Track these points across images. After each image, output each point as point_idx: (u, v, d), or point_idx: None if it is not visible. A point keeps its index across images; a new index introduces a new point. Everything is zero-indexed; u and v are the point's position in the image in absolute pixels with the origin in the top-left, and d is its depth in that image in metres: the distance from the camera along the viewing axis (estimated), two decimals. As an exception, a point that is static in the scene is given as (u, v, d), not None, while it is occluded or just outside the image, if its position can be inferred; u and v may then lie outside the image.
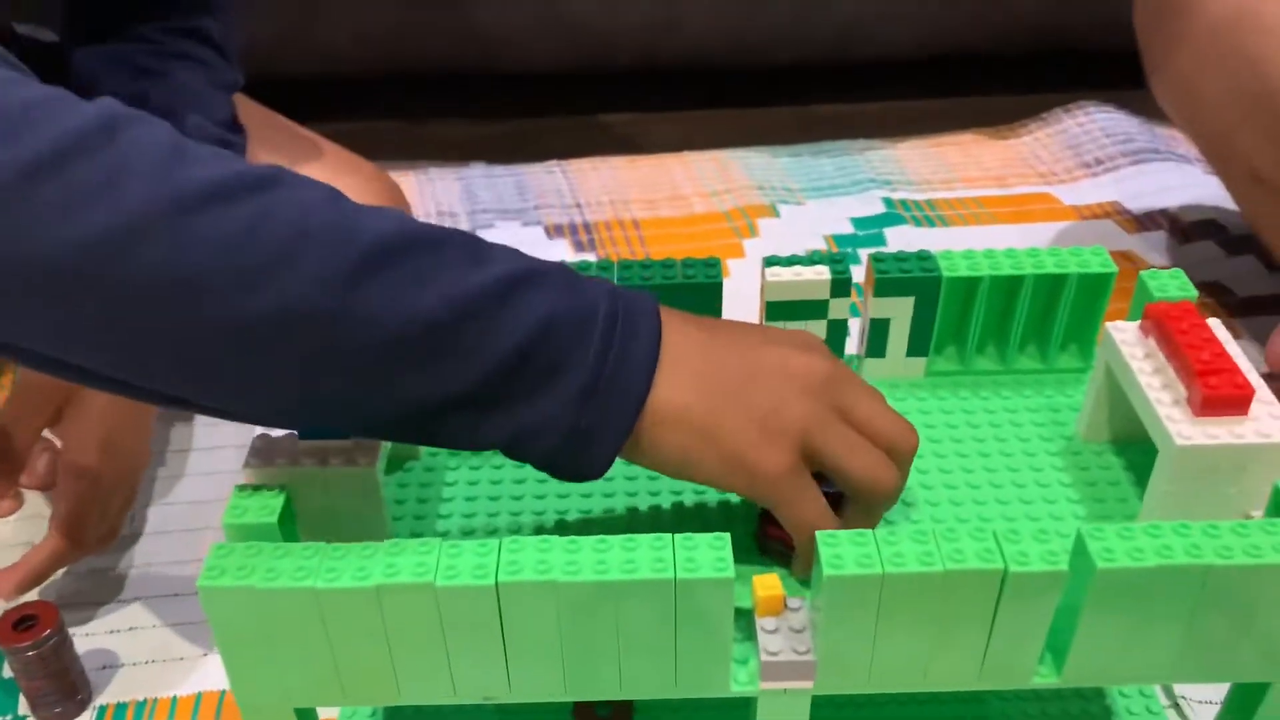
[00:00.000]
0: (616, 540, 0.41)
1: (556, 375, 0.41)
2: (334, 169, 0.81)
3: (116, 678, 0.61)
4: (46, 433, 0.65)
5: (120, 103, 0.38)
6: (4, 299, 0.36)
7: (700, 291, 0.55)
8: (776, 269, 0.55)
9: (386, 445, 0.47)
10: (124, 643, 0.62)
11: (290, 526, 0.44)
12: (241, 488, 0.44)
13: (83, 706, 0.59)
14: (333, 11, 1.10)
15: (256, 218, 0.37)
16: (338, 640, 0.41)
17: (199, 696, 0.59)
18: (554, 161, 1.12)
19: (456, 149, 1.16)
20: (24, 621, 0.56)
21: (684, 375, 0.43)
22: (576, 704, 0.54)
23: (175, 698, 0.59)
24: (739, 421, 0.43)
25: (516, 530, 0.51)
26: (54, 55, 0.70)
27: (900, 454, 0.45)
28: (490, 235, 0.99)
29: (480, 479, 0.53)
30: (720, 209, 1.02)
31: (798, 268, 0.55)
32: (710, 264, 0.56)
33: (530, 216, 1.03)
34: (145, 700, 0.59)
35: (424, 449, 0.54)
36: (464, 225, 1.02)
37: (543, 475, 0.53)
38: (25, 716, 0.59)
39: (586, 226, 1.01)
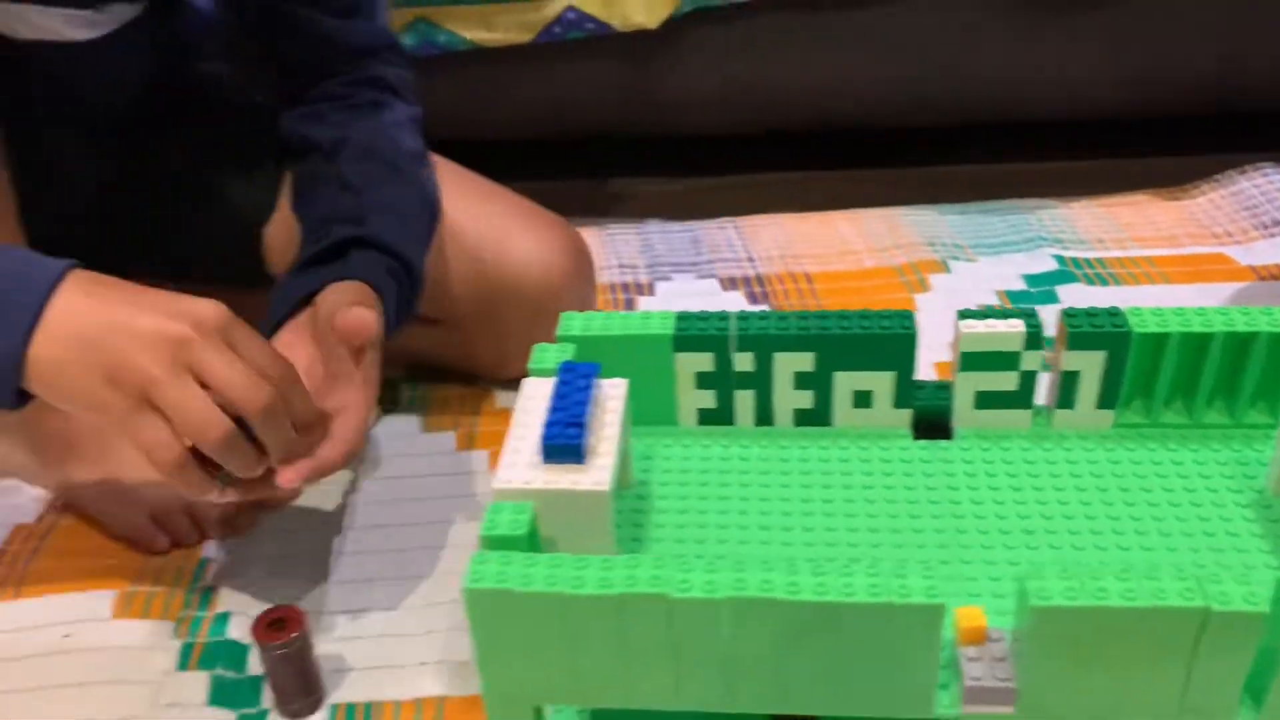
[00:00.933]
0: (833, 568, 0.44)
1: None
2: (518, 217, 0.87)
3: (346, 680, 0.67)
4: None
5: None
6: None
7: (894, 342, 0.59)
8: (971, 321, 0.58)
9: (616, 469, 0.52)
10: (352, 649, 0.69)
11: (535, 539, 0.49)
12: (493, 505, 0.49)
13: (317, 705, 0.65)
14: (529, 81, 1.19)
15: None
16: (579, 643, 0.46)
17: (419, 703, 0.65)
18: (726, 218, 1.17)
19: (636, 206, 1.23)
20: (276, 623, 0.63)
21: (58, 347, 0.54)
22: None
23: (399, 702, 0.65)
24: (91, 379, 0.54)
25: (720, 558, 0.55)
26: (268, 118, 0.81)
27: (243, 413, 0.56)
28: (667, 286, 1.05)
29: (689, 509, 0.58)
30: (891, 264, 1.05)
31: (991, 320, 0.58)
32: (905, 316, 0.59)
33: (705, 270, 1.08)
34: (371, 702, 0.65)
35: (636, 476, 0.59)
36: (643, 276, 1.08)
37: (743, 508, 0.58)
38: (267, 711, 0.65)
39: (760, 279, 1.06)
